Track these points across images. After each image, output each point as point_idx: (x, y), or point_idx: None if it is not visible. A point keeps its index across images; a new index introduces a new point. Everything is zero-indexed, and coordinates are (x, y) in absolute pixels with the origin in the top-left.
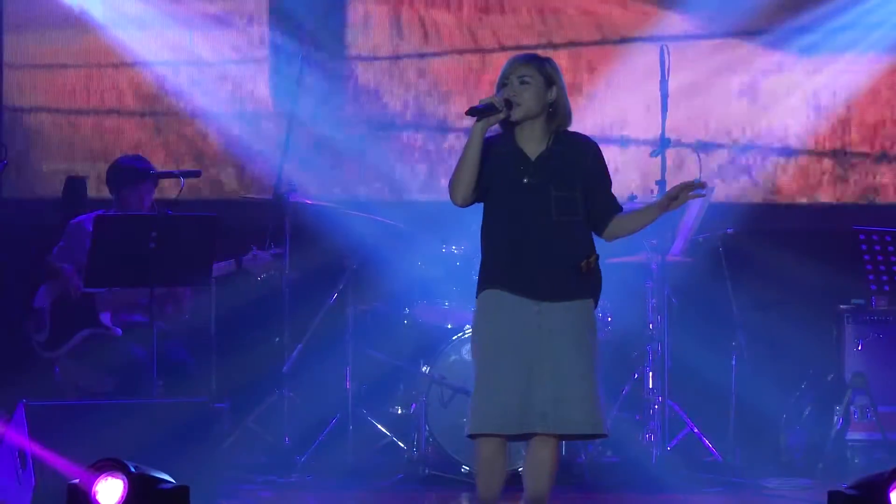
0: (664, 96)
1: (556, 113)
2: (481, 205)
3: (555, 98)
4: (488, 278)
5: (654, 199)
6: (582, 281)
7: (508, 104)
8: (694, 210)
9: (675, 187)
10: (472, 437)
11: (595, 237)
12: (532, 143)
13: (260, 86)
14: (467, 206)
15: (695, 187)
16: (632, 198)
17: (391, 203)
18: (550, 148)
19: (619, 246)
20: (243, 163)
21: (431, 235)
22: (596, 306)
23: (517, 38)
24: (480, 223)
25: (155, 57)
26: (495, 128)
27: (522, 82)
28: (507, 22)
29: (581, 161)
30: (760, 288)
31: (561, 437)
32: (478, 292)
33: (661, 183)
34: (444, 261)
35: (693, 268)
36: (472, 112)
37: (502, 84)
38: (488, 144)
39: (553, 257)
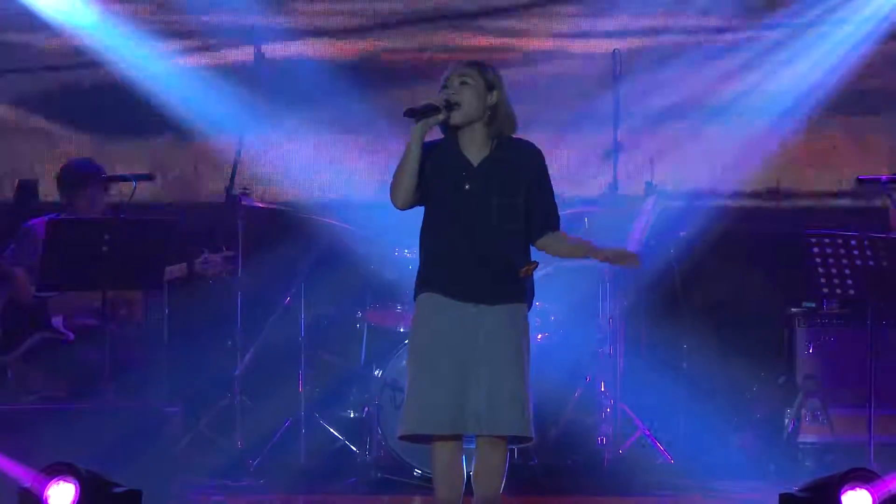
0: (616, 101)
1: (496, 117)
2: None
3: (495, 102)
4: (426, 282)
5: (603, 248)
6: (517, 285)
7: (448, 105)
8: (646, 213)
9: (617, 252)
10: (403, 438)
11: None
12: (474, 148)
13: None
14: (407, 208)
15: (632, 259)
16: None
17: (344, 206)
18: (493, 154)
19: None
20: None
21: (384, 239)
22: (529, 310)
23: None
24: None
25: None
26: (438, 133)
27: (463, 83)
28: None
29: (524, 168)
30: (712, 290)
31: (492, 438)
32: (415, 295)
33: (613, 185)
34: (396, 264)
35: (644, 271)
36: (410, 113)
37: (443, 87)
38: (431, 149)
39: (491, 262)
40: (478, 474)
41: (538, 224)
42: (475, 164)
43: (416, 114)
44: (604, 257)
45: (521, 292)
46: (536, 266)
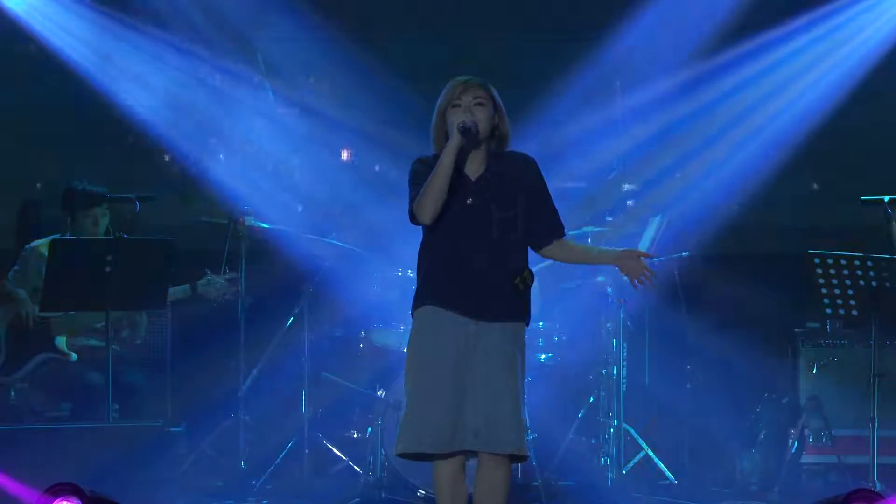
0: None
1: (500, 136)
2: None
3: (498, 122)
4: (426, 295)
5: (611, 249)
6: (516, 302)
7: (477, 131)
8: (650, 234)
9: (629, 253)
10: (402, 456)
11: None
12: (473, 164)
13: None
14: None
15: (641, 264)
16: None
17: (347, 226)
18: (490, 169)
19: (575, 270)
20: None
21: (387, 259)
22: (527, 325)
23: None
24: None
25: None
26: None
27: (479, 104)
28: None
29: (520, 179)
30: (716, 311)
31: (494, 456)
32: (414, 308)
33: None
34: (399, 284)
35: (649, 291)
36: (466, 132)
37: (452, 105)
38: (430, 167)
39: (491, 277)
40: (479, 492)
41: (542, 233)
42: (473, 179)
43: (469, 134)
44: (614, 259)
45: (521, 310)
46: (532, 277)
